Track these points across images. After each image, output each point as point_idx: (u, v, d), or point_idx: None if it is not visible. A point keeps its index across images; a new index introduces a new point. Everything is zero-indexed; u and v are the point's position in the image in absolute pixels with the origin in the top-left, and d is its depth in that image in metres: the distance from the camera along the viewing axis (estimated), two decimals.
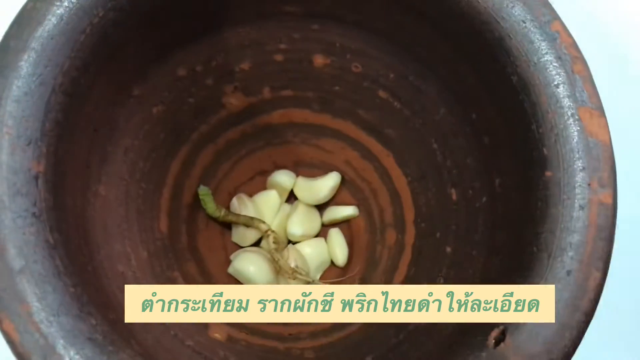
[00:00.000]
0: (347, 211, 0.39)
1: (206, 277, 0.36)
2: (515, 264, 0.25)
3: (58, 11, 0.25)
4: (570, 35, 0.25)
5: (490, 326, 0.23)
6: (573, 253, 0.23)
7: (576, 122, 0.24)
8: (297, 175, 0.40)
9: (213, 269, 0.37)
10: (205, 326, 0.32)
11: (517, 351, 0.22)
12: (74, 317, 0.22)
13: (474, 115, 0.30)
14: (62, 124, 0.25)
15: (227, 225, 0.39)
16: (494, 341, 0.23)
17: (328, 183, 0.39)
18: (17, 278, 0.22)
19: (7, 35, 0.24)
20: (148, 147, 0.33)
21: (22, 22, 0.24)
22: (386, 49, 0.33)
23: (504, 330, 0.23)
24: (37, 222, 0.23)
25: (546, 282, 0.23)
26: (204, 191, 0.36)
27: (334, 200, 0.40)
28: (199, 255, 0.36)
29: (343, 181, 0.39)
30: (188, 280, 0.34)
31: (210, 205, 0.36)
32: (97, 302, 0.24)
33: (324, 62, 0.35)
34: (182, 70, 0.33)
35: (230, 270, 0.37)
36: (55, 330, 0.21)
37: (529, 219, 0.25)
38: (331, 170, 0.39)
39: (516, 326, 0.22)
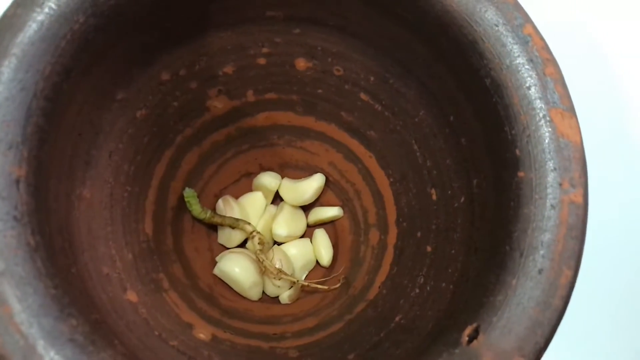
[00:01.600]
0: (332, 212, 0.40)
1: (192, 279, 0.36)
2: (490, 262, 0.25)
3: (38, 17, 0.25)
4: (542, 38, 0.26)
5: (465, 323, 0.24)
6: (544, 251, 0.23)
7: (548, 123, 0.25)
8: (282, 176, 0.40)
9: (199, 271, 0.37)
10: (189, 326, 0.32)
11: (489, 347, 0.22)
12: (55, 319, 0.22)
13: (452, 117, 0.30)
14: (45, 129, 0.25)
15: (213, 227, 0.39)
16: (467, 338, 0.23)
17: (313, 184, 0.39)
18: None
19: None
20: (132, 150, 0.33)
21: (3, 28, 0.25)
22: (367, 52, 0.33)
23: (477, 328, 0.23)
24: (18, 225, 0.23)
25: (518, 280, 0.23)
26: (189, 193, 0.36)
27: (318, 201, 0.40)
28: (184, 257, 0.37)
29: (328, 182, 0.40)
30: (173, 282, 0.34)
31: (196, 207, 0.37)
32: (80, 303, 0.25)
33: (306, 66, 0.35)
34: (165, 75, 0.33)
35: (216, 271, 0.37)
36: (35, 331, 0.22)
37: (503, 218, 0.25)
38: (316, 172, 0.40)
39: (489, 323, 0.23)
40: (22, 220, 0.23)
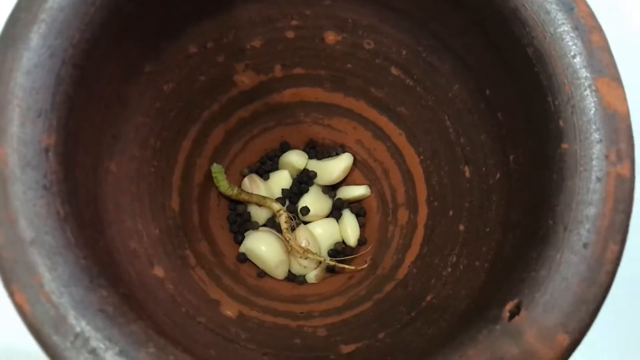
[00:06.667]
0: (359, 191, 0.39)
1: (217, 256, 0.36)
2: (531, 238, 0.24)
3: None
4: (587, 5, 0.25)
5: (505, 299, 0.23)
6: (590, 226, 0.22)
7: (593, 93, 0.24)
8: (309, 155, 0.40)
9: (224, 248, 0.37)
10: (216, 303, 0.31)
11: (532, 324, 0.22)
12: (85, 289, 0.22)
13: (488, 91, 0.29)
14: (73, 98, 0.25)
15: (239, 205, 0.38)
16: (508, 314, 0.22)
17: (340, 164, 0.39)
18: (29, 249, 0.22)
19: (17, 6, 0.24)
20: (159, 124, 0.33)
21: None
22: (399, 24, 0.32)
23: (519, 304, 0.22)
24: (47, 194, 0.23)
25: (562, 255, 0.22)
26: (216, 169, 0.36)
27: (345, 180, 0.40)
28: (210, 234, 0.36)
29: (355, 161, 0.39)
30: (200, 259, 0.34)
31: (223, 184, 0.36)
32: (108, 275, 0.24)
33: (335, 39, 0.34)
34: (193, 47, 0.33)
35: (242, 249, 0.37)
36: (66, 301, 0.21)
37: (544, 192, 0.24)
38: (343, 151, 0.39)
39: (531, 299, 0.22)
40: (52, 189, 0.23)
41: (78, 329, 0.21)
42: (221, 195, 0.37)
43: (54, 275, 0.22)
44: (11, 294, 0.22)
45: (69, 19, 0.24)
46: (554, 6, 0.24)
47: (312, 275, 0.37)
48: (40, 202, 0.22)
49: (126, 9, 0.27)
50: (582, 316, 0.22)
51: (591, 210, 0.23)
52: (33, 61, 0.23)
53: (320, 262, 0.36)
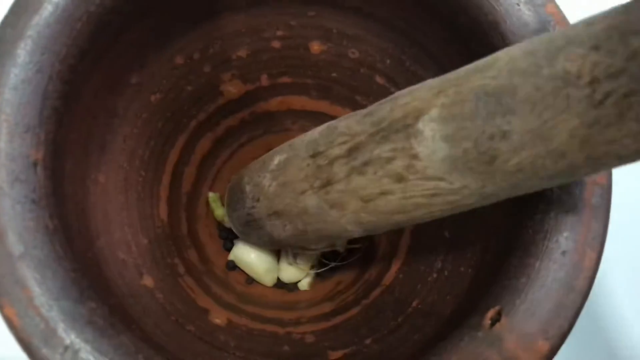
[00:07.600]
0: None
1: (206, 265, 0.36)
2: (511, 246, 0.25)
3: None
4: (564, 18, 0.25)
5: (487, 306, 0.23)
6: (568, 233, 0.23)
7: None
8: None
9: (213, 256, 0.37)
10: (205, 311, 0.32)
11: (512, 330, 0.22)
12: (74, 301, 0.22)
13: None
14: (60, 112, 0.25)
15: None
16: (489, 321, 0.23)
17: None
18: (18, 263, 0.22)
19: (4, 23, 0.24)
20: (147, 135, 0.33)
21: (19, 11, 0.24)
22: (383, 34, 0.33)
23: (500, 311, 0.23)
24: (36, 209, 0.23)
25: (541, 262, 0.23)
26: (213, 198, 0.37)
27: None
28: (199, 242, 0.36)
29: None
30: (189, 267, 0.34)
31: (219, 212, 0.37)
32: (97, 287, 0.25)
33: (321, 49, 0.35)
34: (179, 58, 0.33)
35: (231, 257, 0.37)
36: (55, 314, 0.22)
37: (524, 200, 0.25)
38: None
39: (512, 306, 0.23)
40: (41, 204, 0.23)
41: (68, 342, 0.21)
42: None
43: (43, 289, 0.22)
44: (0, 308, 0.22)
45: (56, 34, 0.25)
46: (532, 19, 0.25)
47: (304, 283, 0.37)
48: (29, 216, 0.23)
49: (112, 22, 0.27)
50: (562, 323, 0.22)
51: (569, 219, 0.23)
52: (20, 77, 0.24)
53: (310, 269, 0.37)
